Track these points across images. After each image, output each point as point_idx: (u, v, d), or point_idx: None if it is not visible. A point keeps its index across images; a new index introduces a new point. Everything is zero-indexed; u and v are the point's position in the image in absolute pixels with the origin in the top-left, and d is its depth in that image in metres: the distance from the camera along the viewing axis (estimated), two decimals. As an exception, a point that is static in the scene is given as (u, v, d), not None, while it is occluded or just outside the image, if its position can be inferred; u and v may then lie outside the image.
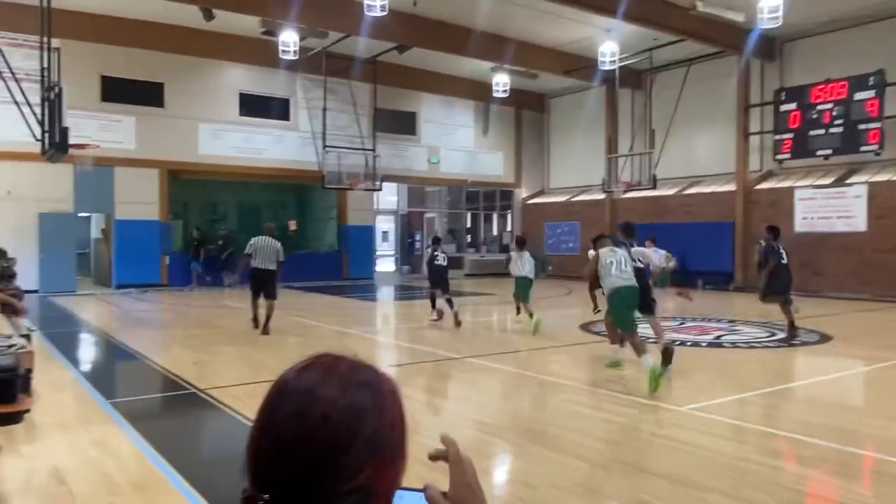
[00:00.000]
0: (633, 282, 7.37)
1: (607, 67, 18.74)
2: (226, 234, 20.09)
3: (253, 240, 11.08)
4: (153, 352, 9.12)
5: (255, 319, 11.01)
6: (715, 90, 20.54)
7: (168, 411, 6.40)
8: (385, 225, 25.92)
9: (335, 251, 22.75)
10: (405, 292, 19.08)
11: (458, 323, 11.47)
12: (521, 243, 12.00)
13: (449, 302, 11.80)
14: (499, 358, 8.64)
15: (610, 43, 18.16)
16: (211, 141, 19.96)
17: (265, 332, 10.55)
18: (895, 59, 16.25)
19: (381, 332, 11.87)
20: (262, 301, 10.80)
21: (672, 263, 15.47)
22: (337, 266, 22.31)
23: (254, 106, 20.92)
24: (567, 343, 9.89)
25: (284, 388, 0.96)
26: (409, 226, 27.06)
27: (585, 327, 11.34)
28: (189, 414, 6.19)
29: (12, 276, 9.81)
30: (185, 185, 21.16)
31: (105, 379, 8.01)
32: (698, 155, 21.28)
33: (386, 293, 19.47)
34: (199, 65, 19.63)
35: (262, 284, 10.87)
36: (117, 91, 18.66)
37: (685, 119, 21.05)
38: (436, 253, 12.43)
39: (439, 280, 12.22)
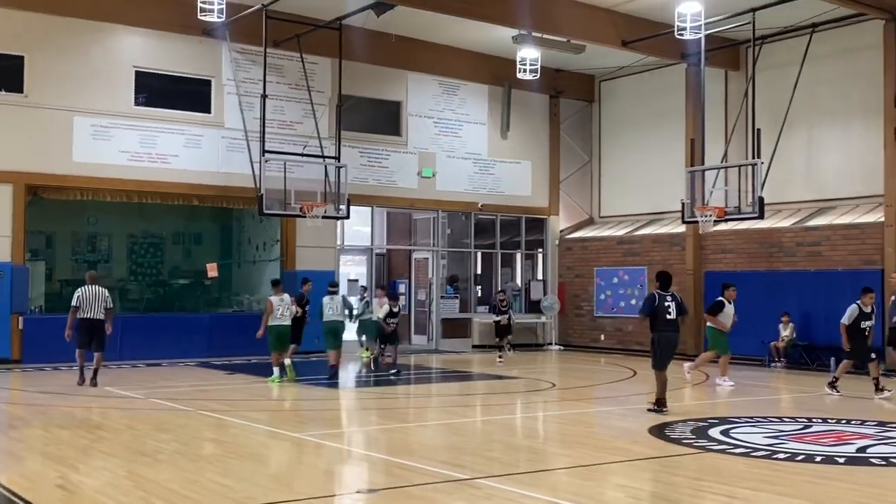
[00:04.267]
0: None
1: (688, 36, 18.92)
2: None
3: (78, 290, 15.39)
4: (-4, 467, 8.95)
5: (83, 374, 15.31)
6: (851, 71, 20.73)
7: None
8: (354, 269, 25.86)
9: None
10: (384, 373, 18.88)
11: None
12: (335, 286, 18.11)
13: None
14: (527, 479, 8.49)
15: (692, 0, 18.40)
16: (91, 143, 20.04)
17: (94, 383, 15.12)
18: None
19: (345, 437, 11.70)
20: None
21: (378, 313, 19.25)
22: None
23: (157, 91, 21.04)
24: (631, 456, 9.74)
25: None
26: (389, 270, 26.98)
27: (660, 430, 11.19)
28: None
29: None
30: (52, 207, 21.18)
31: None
32: (826, 168, 21.39)
33: (354, 373, 19.27)
34: (75, 29, 19.81)
35: (93, 335, 15.18)
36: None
37: (806, 114, 21.18)
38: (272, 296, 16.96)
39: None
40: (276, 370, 16.36)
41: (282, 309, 16.31)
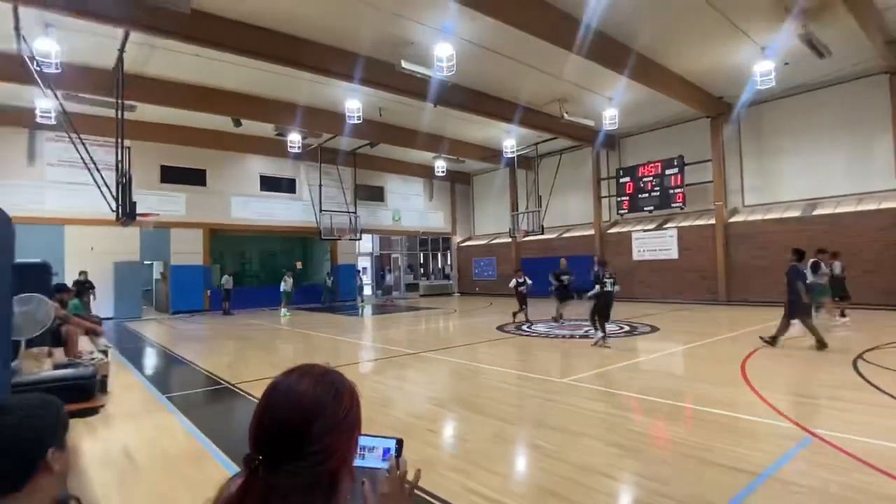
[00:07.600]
0: None
1: (509, 155, 19.21)
2: None
3: None
4: (198, 358, 8.60)
5: None
6: (579, 169, 21.33)
7: (209, 401, 6.06)
8: (364, 263, 25.54)
9: (326, 283, 21.94)
10: (378, 310, 18.68)
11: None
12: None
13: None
14: (444, 352, 8.54)
15: (510, 139, 18.72)
16: (240, 208, 19.40)
17: None
18: (690, 148, 17.43)
19: (364, 338, 11.29)
20: None
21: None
22: (331, 292, 21.71)
23: (270, 184, 20.48)
24: (489, 338, 9.88)
25: (276, 384, 1.13)
26: (381, 264, 26.73)
27: (501, 328, 11.35)
28: (224, 402, 5.88)
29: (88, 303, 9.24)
30: (221, 239, 20.40)
31: (163, 380, 7.59)
32: (570, 210, 21.84)
33: (366, 311, 18.91)
34: (230, 156, 19.19)
35: None
36: (172, 175, 18.06)
37: (561, 188, 21.76)
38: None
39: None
40: None
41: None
